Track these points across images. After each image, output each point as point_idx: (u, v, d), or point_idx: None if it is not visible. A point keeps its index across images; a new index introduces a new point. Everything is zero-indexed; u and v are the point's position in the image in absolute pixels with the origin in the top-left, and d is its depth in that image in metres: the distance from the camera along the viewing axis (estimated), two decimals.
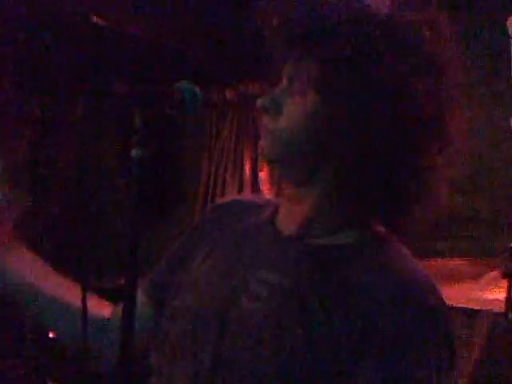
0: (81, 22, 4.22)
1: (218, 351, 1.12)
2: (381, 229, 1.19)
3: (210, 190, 4.28)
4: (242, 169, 4.15)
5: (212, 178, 4.29)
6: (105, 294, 1.31)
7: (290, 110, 1.16)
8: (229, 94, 4.23)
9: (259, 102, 1.17)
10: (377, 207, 1.15)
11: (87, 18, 4.13)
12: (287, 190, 1.22)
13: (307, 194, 1.18)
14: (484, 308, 2.15)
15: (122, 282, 0.97)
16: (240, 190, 4.11)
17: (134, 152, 0.97)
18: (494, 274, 2.01)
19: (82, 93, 0.99)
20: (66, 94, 5.58)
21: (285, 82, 1.18)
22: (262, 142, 1.19)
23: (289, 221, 1.21)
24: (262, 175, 3.99)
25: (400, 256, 1.16)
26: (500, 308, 1.86)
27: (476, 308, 2.21)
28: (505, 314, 1.85)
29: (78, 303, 1.07)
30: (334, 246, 1.16)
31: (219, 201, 1.60)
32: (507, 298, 1.84)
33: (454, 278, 2.03)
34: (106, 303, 1.36)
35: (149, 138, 0.97)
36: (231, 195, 3.82)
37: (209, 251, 1.28)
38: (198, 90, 1.07)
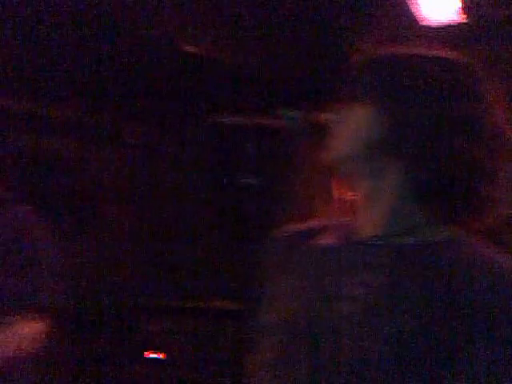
0: (170, 49, 4.32)
1: (315, 362, 1.12)
2: (455, 225, 1.20)
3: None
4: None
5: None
6: None
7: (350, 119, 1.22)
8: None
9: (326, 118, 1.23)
10: (451, 204, 1.17)
11: (176, 46, 4.23)
12: (360, 190, 1.23)
13: (381, 192, 1.20)
14: None
15: None
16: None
17: (245, 179, 1.01)
18: None
19: (194, 122, 1.03)
20: (167, 123, 5.73)
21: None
22: (322, 155, 1.23)
23: (367, 222, 1.22)
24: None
25: (486, 248, 1.18)
26: None
27: None
28: None
29: None
30: (419, 245, 1.18)
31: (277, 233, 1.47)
32: None
33: None
34: None
35: (260, 165, 1.00)
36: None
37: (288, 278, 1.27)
38: (301, 115, 1.10)
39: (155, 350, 4.92)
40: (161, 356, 4.93)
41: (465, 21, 3.68)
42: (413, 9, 3.66)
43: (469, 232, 1.19)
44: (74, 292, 2.52)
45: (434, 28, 3.72)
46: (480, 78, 1.21)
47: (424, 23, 3.71)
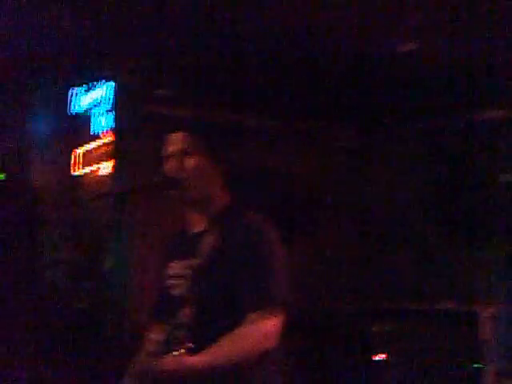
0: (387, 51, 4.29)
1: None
2: None
3: None
4: None
5: None
6: None
7: None
8: None
9: None
10: None
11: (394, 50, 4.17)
12: None
13: None
14: None
15: None
16: None
17: (503, 177, 0.97)
18: None
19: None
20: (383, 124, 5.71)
21: None
22: None
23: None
24: None
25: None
26: None
27: None
28: None
29: None
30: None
31: None
32: None
33: None
34: None
35: None
36: None
37: None
38: None
39: (382, 353, 4.89)
40: (387, 358, 4.88)
41: None
42: None
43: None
44: (300, 296, 2.57)
45: None
46: None
47: None
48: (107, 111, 6.65)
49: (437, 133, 5.89)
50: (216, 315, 2.25)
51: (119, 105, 6.37)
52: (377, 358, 4.94)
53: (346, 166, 5.90)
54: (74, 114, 7.24)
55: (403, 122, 5.85)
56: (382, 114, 5.71)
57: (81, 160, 7.21)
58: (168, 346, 2.14)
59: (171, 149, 2.39)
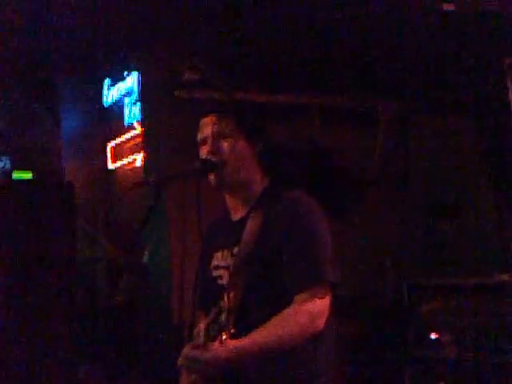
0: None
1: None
2: None
3: None
4: None
5: None
6: None
7: None
8: None
9: None
10: None
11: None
12: None
13: None
14: None
15: None
16: None
17: None
18: None
19: None
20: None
21: None
22: None
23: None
24: None
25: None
26: None
27: None
28: None
29: None
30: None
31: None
32: None
33: None
34: None
35: None
36: None
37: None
38: None
39: (435, 331, 4.83)
40: (440, 337, 4.82)
41: None
42: None
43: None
44: (346, 274, 2.54)
45: None
46: None
47: None
48: (136, 101, 6.66)
49: (480, 106, 5.87)
50: (261, 300, 2.22)
51: (145, 94, 6.34)
52: (430, 336, 4.88)
53: (390, 142, 5.85)
54: (106, 105, 7.26)
55: (446, 95, 5.79)
56: (426, 88, 5.65)
57: (116, 152, 7.22)
58: (211, 332, 2.11)
59: (206, 132, 2.36)
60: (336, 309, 2.27)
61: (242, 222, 2.34)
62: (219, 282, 2.35)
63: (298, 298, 2.17)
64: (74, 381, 4.75)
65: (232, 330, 2.07)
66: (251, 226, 2.30)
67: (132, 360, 5.50)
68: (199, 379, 2.19)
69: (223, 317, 2.08)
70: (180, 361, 2.14)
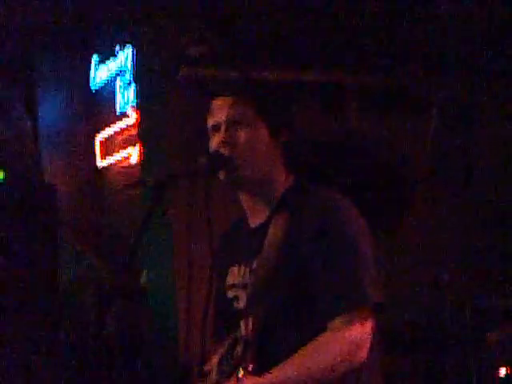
0: None
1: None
2: None
3: None
4: None
5: None
6: None
7: None
8: None
9: None
10: None
11: None
12: None
13: None
14: None
15: None
16: None
17: None
18: None
19: None
20: None
21: None
22: None
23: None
24: None
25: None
26: None
27: None
28: None
29: None
30: None
31: None
32: None
33: None
34: None
35: None
36: None
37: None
38: None
39: (506, 366, 4.82)
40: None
41: None
42: None
43: None
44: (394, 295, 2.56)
45: None
46: None
47: None
48: (130, 83, 6.68)
49: None
50: (287, 328, 2.23)
51: (140, 74, 6.37)
52: (500, 372, 4.88)
53: (447, 131, 5.85)
54: (94, 88, 7.30)
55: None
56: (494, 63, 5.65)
57: (106, 147, 7.26)
58: (225, 368, 2.14)
59: (218, 118, 2.36)
60: (380, 337, 2.28)
61: (262, 229, 2.34)
62: (235, 305, 2.35)
63: (333, 323, 2.17)
64: None
65: (251, 366, 2.08)
66: (273, 234, 2.30)
67: None
68: None
69: (239, 349, 2.09)
70: None
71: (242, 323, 2.09)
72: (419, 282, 5.49)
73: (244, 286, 2.34)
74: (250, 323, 2.10)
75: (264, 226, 2.34)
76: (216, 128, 2.35)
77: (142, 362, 5.84)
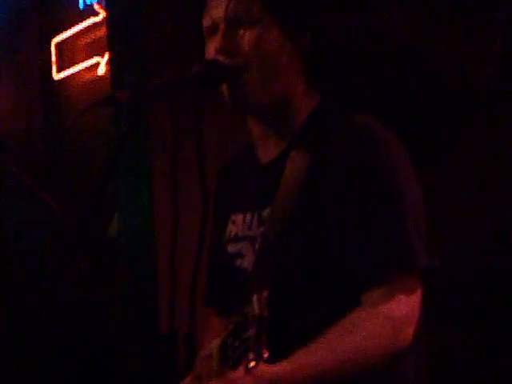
0: None
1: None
2: None
3: None
4: None
5: None
6: None
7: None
8: None
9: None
10: None
11: None
12: None
13: None
14: None
15: None
16: None
17: None
18: None
19: None
20: None
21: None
22: None
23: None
24: None
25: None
26: None
27: None
28: None
29: None
30: None
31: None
32: None
33: None
34: None
35: None
36: None
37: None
38: None
39: None
40: None
41: None
42: None
43: None
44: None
45: None
46: None
47: None
48: None
49: None
50: (307, 302, 2.24)
51: None
52: None
53: None
54: None
55: None
56: None
57: (65, 54, 7.25)
58: (229, 353, 2.14)
59: (216, 15, 2.35)
60: (432, 311, 2.29)
61: (277, 166, 2.35)
62: (238, 263, 2.39)
63: (371, 295, 2.17)
64: None
65: (265, 354, 2.04)
66: (291, 173, 2.30)
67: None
68: None
69: (251, 331, 2.06)
70: None
71: (251, 296, 2.06)
72: (479, 232, 5.51)
73: (251, 239, 2.36)
74: (262, 297, 2.07)
75: (279, 163, 2.35)
76: (213, 29, 2.36)
77: (113, 333, 5.90)
